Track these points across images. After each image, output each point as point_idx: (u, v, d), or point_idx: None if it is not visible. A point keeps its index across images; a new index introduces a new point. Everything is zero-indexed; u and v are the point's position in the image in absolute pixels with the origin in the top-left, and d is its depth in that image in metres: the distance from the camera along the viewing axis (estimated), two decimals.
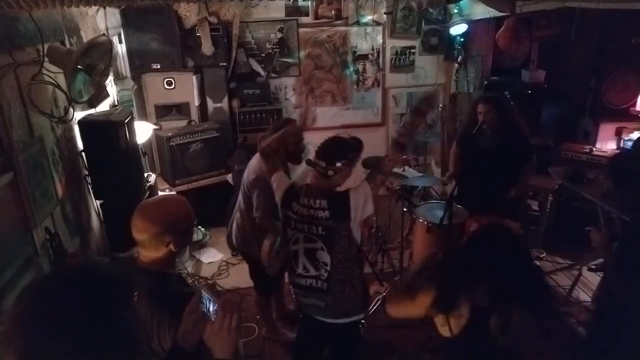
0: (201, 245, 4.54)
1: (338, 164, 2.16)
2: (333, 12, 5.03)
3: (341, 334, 2.38)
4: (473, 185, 3.45)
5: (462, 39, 5.06)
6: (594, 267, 3.82)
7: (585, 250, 3.78)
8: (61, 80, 2.44)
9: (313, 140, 5.94)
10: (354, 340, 2.46)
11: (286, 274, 2.60)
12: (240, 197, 3.04)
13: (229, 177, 4.41)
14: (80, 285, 0.89)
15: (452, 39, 5.15)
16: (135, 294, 0.99)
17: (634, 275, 2.20)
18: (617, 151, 3.92)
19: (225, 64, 4.72)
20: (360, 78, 5.34)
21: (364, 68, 5.31)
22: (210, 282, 4.03)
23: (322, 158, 2.18)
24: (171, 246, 1.58)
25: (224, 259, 4.37)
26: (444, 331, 1.60)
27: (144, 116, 4.50)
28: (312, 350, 2.52)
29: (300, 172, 3.47)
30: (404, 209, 3.71)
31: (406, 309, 1.70)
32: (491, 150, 3.45)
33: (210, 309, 1.19)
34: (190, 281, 4.00)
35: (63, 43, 2.73)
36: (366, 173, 2.55)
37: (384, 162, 2.38)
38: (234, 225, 3.11)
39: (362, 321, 2.41)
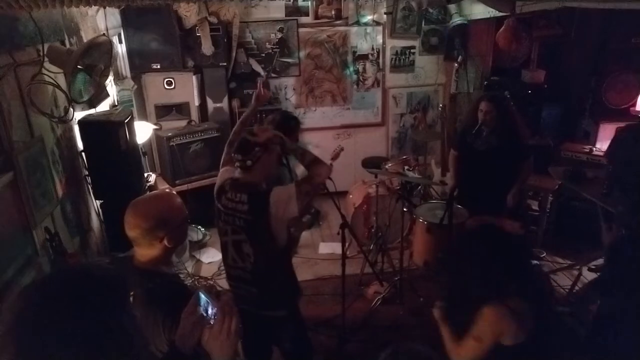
0: (201, 245, 4.54)
1: (253, 153, 2.17)
2: (333, 12, 5.03)
3: (276, 328, 2.41)
4: (473, 186, 3.46)
5: (462, 39, 5.06)
6: (594, 267, 3.82)
7: (585, 250, 3.80)
8: (61, 80, 2.44)
9: (313, 141, 5.97)
10: (291, 337, 2.46)
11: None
12: None
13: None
14: (76, 287, 0.89)
15: (452, 39, 5.15)
16: (132, 294, 0.99)
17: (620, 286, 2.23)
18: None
19: (225, 64, 4.72)
20: (360, 78, 5.34)
21: (364, 68, 5.31)
22: (210, 282, 4.02)
23: (238, 153, 2.20)
24: (165, 242, 1.58)
25: None
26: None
27: (144, 116, 4.50)
28: (258, 345, 2.51)
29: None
30: (404, 209, 3.71)
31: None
32: (490, 151, 3.45)
33: (209, 312, 1.18)
34: (190, 281, 4.00)
35: (63, 43, 2.73)
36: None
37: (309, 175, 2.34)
38: None
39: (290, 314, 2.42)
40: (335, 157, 3.44)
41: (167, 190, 4.13)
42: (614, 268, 2.39)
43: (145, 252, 1.61)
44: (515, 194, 3.58)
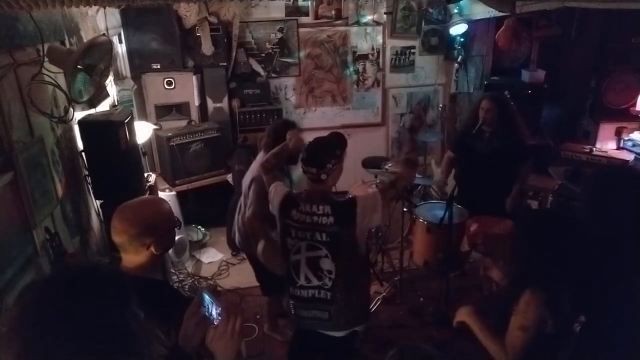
0: (201, 245, 4.54)
1: (329, 165, 2.11)
2: (333, 12, 5.03)
3: (338, 346, 2.30)
4: (473, 186, 3.46)
5: (462, 39, 5.07)
6: None
7: None
8: (61, 80, 2.44)
9: None
10: (350, 352, 2.38)
11: None
12: (242, 198, 3.05)
13: (229, 177, 4.41)
14: (80, 286, 0.89)
15: (452, 39, 5.15)
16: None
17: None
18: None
19: (225, 64, 4.71)
20: (360, 78, 5.34)
21: (364, 68, 5.30)
22: (210, 282, 4.03)
23: (311, 164, 2.12)
24: (152, 249, 1.53)
25: (224, 259, 4.37)
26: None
27: (144, 116, 4.50)
28: None
29: (300, 172, 3.47)
30: (404, 209, 3.71)
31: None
32: (490, 150, 3.46)
33: (213, 312, 1.17)
34: (190, 281, 4.00)
35: (63, 43, 2.73)
36: (376, 183, 2.48)
37: (397, 179, 2.30)
38: (236, 225, 3.12)
39: (360, 332, 2.33)
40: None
41: (167, 194, 4.13)
42: None
43: (131, 258, 1.56)
44: (515, 197, 3.58)
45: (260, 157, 2.74)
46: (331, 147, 2.20)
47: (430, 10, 5.17)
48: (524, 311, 1.69)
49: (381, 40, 5.22)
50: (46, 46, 2.31)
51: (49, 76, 2.36)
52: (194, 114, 4.67)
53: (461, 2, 4.56)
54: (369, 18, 5.11)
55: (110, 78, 3.51)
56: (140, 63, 4.38)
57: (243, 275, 3.90)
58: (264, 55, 5.02)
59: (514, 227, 2.04)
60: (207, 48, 4.51)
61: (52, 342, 0.82)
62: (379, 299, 3.64)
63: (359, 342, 2.36)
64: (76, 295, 0.87)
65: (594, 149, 4.37)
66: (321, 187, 2.15)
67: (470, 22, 4.85)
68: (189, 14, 4.37)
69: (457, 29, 4.91)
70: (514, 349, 1.73)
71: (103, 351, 0.84)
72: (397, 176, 2.34)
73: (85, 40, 2.98)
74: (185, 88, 4.56)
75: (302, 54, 5.11)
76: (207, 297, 1.19)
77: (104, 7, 3.32)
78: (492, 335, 1.84)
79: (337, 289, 2.14)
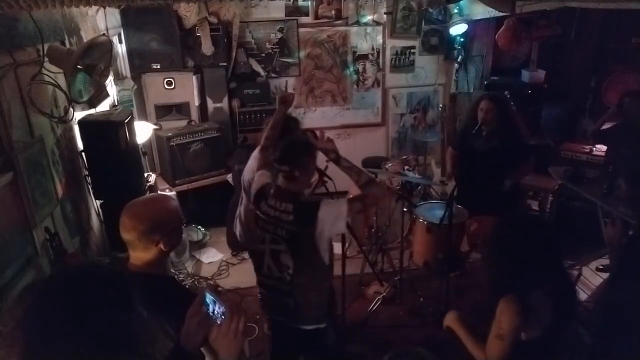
0: (201, 245, 4.54)
1: (302, 163, 2.15)
2: (333, 12, 5.03)
3: (308, 340, 2.35)
4: (472, 186, 3.46)
5: (462, 39, 5.07)
6: (602, 267, 3.82)
7: (585, 250, 3.80)
8: (61, 80, 2.44)
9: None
10: (321, 347, 2.42)
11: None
12: (242, 194, 3.06)
13: (229, 177, 4.41)
14: (80, 285, 0.89)
15: (452, 39, 5.15)
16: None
17: (635, 276, 2.20)
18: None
19: (225, 64, 4.71)
20: (360, 78, 5.34)
21: (364, 68, 5.30)
22: (210, 282, 4.02)
23: (285, 162, 2.15)
24: (161, 245, 1.55)
25: (224, 259, 4.37)
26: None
27: (144, 116, 4.50)
28: (287, 355, 2.48)
29: None
30: (404, 209, 3.71)
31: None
32: (489, 151, 3.46)
33: (215, 311, 1.17)
34: (190, 281, 4.00)
35: (63, 43, 2.73)
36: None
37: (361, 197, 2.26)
38: (238, 221, 3.12)
39: (325, 329, 2.37)
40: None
41: (167, 194, 4.14)
42: (626, 270, 2.37)
43: (140, 255, 1.58)
44: (512, 179, 3.56)
45: (257, 153, 2.75)
46: (304, 145, 2.23)
47: (430, 10, 5.17)
48: (498, 320, 1.73)
49: (381, 40, 5.22)
50: (46, 46, 2.32)
51: (49, 76, 2.36)
52: (194, 114, 4.67)
53: (461, 2, 4.56)
54: (369, 18, 5.11)
55: (110, 78, 3.51)
56: (140, 63, 4.38)
57: (243, 275, 3.90)
58: (264, 55, 5.02)
59: (489, 236, 2.06)
60: (207, 48, 4.51)
61: (54, 341, 0.82)
62: (379, 299, 3.64)
63: (332, 339, 2.43)
64: (77, 295, 0.87)
65: (594, 149, 4.37)
66: (293, 186, 2.18)
67: (470, 22, 4.86)
68: (189, 14, 4.37)
69: (457, 29, 4.91)
70: (492, 356, 1.77)
71: (105, 350, 0.84)
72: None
73: (85, 40, 2.98)
74: (185, 88, 4.56)
75: (302, 54, 5.11)
76: (209, 296, 1.19)
77: (104, 7, 3.32)
78: (476, 342, 1.88)
79: (295, 285, 2.19)
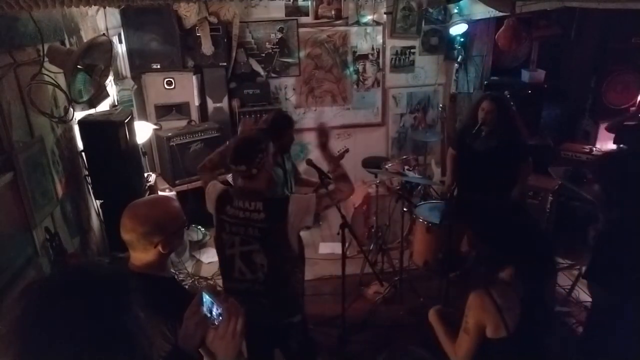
0: (201, 245, 4.54)
1: (257, 160, 2.14)
2: (333, 12, 5.03)
3: (284, 336, 2.37)
4: (472, 186, 3.45)
5: (462, 39, 5.07)
6: None
7: (585, 250, 3.80)
8: (61, 80, 2.44)
9: (313, 141, 5.93)
10: (299, 340, 2.44)
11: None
12: None
13: (229, 177, 4.41)
14: (80, 286, 0.89)
15: (452, 39, 5.15)
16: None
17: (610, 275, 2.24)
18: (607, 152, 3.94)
19: (225, 64, 4.72)
20: (360, 78, 5.34)
21: (364, 68, 5.31)
22: (210, 282, 4.02)
23: (240, 162, 2.15)
24: (160, 247, 1.55)
25: None
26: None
27: (144, 116, 4.50)
28: (263, 351, 2.47)
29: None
30: (404, 209, 3.71)
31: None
32: (489, 151, 3.45)
33: (213, 312, 1.16)
34: (190, 281, 4.00)
35: (63, 43, 2.73)
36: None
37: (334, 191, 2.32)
38: None
39: (297, 323, 2.39)
40: (340, 157, 3.45)
41: (167, 193, 4.14)
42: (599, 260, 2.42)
43: (139, 256, 1.58)
44: (522, 188, 3.58)
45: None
46: (255, 141, 2.23)
47: (430, 10, 5.18)
48: (466, 314, 1.76)
49: (381, 40, 5.22)
50: (46, 46, 2.32)
51: (49, 76, 2.36)
52: (194, 114, 4.66)
53: (461, 2, 4.56)
54: (369, 18, 5.11)
55: (110, 78, 3.51)
56: (140, 63, 4.38)
57: None
58: (264, 55, 5.02)
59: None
60: (207, 48, 4.51)
61: (52, 342, 0.81)
62: (379, 299, 3.64)
63: (301, 333, 2.43)
64: (76, 296, 0.86)
65: (594, 149, 4.37)
66: (254, 184, 2.19)
67: (470, 22, 4.86)
68: (189, 14, 4.37)
69: (457, 29, 4.91)
70: (460, 350, 1.80)
71: (104, 350, 0.84)
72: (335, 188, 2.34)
73: (85, 40, 2.98)
74: (185, 88, 4.56)
75: (302, 54, 5.11)
76: (207, 297, 1.18)
77: (104, 7, 3.33)
78: (448, 336, 1.90)
79: (270, 282, 2.20)
